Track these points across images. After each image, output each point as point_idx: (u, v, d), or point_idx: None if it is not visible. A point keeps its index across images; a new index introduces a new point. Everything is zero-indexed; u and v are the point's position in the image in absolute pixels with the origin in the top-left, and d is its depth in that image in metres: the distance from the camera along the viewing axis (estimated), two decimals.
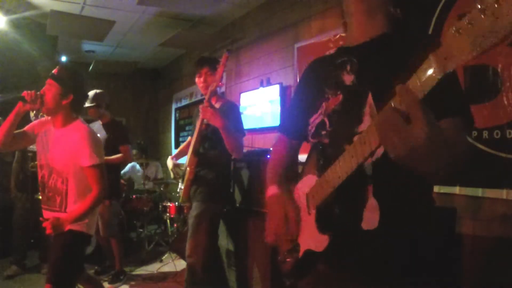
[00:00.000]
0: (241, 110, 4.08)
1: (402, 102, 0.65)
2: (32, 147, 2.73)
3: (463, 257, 1.93)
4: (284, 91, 3.63)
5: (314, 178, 1.03)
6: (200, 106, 2.37)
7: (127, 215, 4.42)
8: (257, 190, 2.82)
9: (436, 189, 1.05)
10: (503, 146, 1.95)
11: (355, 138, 0.80)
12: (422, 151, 0.64)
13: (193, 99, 5.72)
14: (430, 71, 0.62)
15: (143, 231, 4.83)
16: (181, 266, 3.90)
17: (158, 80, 7.33)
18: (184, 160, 2.72)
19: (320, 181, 0.98)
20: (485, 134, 2.02)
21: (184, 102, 6.14)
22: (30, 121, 2.35)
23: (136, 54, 6.10)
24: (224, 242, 3.01)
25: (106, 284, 3.41)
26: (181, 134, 6.21)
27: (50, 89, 2.03)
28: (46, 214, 2.08)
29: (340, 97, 1.03)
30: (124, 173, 5.26)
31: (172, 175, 2.86)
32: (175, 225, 4.46)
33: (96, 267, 3.81)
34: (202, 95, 2.53)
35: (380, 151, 0.80)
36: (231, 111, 2.54)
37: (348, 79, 1.02)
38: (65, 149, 2.04)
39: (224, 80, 4.72)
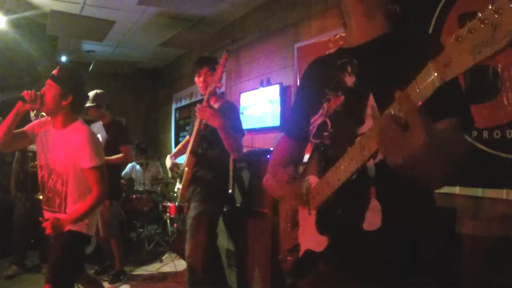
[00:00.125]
0: (241, 110, 4.09)
1: (401, 109, 0.66)
2: (32, 147, 2.72)
3: (463, 257, 1.93)
4: (284, 91, 3.63)
5: (316, 179, 1.03)
6: (198, 107, 2.35)
7: (127, 215, 4.42)
8: (257, 190, 2.82)
9: (436, 189, 1.05)
10: (503, 146, 1.95)
11: (357, 141, 0.80)
12: (419, 158, 0.65)
13: (193, 99, 5.72)
14: (429, 79, 0.62)
15: (143, 231, 4.83)
16: (181, 266, 3.90)
17: (158, 80, 7.33)
18: (182, 159, 2.72)
19: (321, 182, 0.98)
20: (485, 134, 2.02)
21: (184, 102, 6.14)
22: (31, 121, 2.35)
23: (136, 54, 6.10)
24: (224, 242, 3.01)
25: (106, 284, 3.40)
26: (181, 134, 6.21)
27: (50, 89, 2.03)
28: (47, 214, 2.08)
29: (342, 98, 1.03)
30: (125, 174, 5.26)
31: (169, 174, 2.85)
32: (175, 225, 4.46)
33: (96, 267, 3.81)
34: (202, 95, 2.52)
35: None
36: (230, 111, 2.53)
37: (349, 80, 1.02)
38: (65, 151, 2.03)
39: (224, 81, 4.71)
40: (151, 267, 4.03)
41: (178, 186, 2.66)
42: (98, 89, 3.64)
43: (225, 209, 3.00)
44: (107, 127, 3.62)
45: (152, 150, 6.25)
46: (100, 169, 2.02)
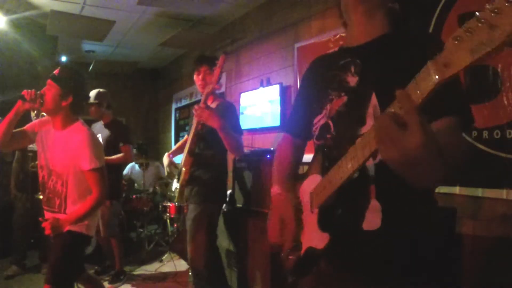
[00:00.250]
0: (241, 110, 4.10)
1: (401, 107, 0.66)
2: (32, 147, 2.73)
3: (463, 257, 1.92)
4: (284, 91, 3.63)
5: (319, 178, 1.04)
6: (196, 108, 2.34)
7: (127, 215, 4.42)
8: (257, 190, 2.82)
9: (436, 189, 1.06)
10: (503, 146, 1.95)
11: (358, 139, 0.81)
12: (417, 158, 0.65)
13: (193, 99, 5.72)
14: (428, 78, 0.63)
15: (143, 231, 4.82)
16: (181, 266, 3.90)
17: (158, 80, 7.33)
18: (180, 159, 2.71)
19: (323, 181, 0.99)
20: (485, 134, 2.02)
21: (184, 102, 6.15)
22: (31, 121, 2.35)
23: (136, 54, 6.10)
24: (224, 242, 3.01)
25: (106, 284, 3.40)
26: (181, 134, 6.22)
27: (50, 89, 2.02)
28: (47, 214, 2.08)
29: (344, 98, 1.03)
30: (124, 174, 5.25)
31: (166, 173, 2.85)
32: (175, 225, 4.46)
33: (96, 267, 3.81)
34: (202, 94, 2.51)
35: None
36: (228, 111, 2.52)
37: (352, 80, 1.03)
38: (65, 152, 2.03)
39: (224, 81, 4.71)
40: (151, 267, 4.03)
41: (176, 185, 2.66)
42: (98, 89, 3.64)
43: (225, 209, 3.00)
44: (107, 126, 3.62)
45: (152, 150, 6.25)
46: (100, 171, 2.01)
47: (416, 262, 0.95)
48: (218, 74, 2.31)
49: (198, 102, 2.42)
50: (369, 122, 0.94)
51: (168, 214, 4.16)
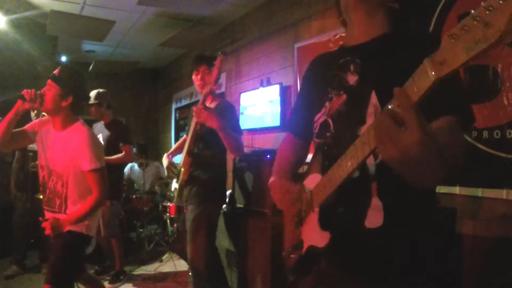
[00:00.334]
0: (241, 110, 4.10)
1: (399, 105, 0.66)
2: (33, 147, 2.72)
3: (463, 257, 1.93)
4: (284, 91, 3.63)
5: (319, 177, 1.04)
6: (194, 109, 2.32)
7: (127, 215, 4.42)
8: (257, 190, 2.82)
9: (436, 189, 1.06)
10: (503, 146, 1.95)
11: (358, 138, 0.81)
12: (415, 157, 0.65)
13: (193, 99, 5.72)
14: (425, 76, 0.63)
15: (143, 231, 4.82)
16: (181, 266, 3.90)
17: (158, 80, 7.33)
18: (179, 159, 2.71)
19: (324, 179, 0.99)
20: (485, 134, 2.02)
21: (184, 102, 6.15)
22: (31, 120, 2.34)
23: (136, 54, 6.10)
24: (224, 242, 3.01)
25: (106, 284, 3.40)
26: (181, 134, 6.21)
27: (50, 90, 2.02)
28: (47, 214, 2.08)
29: (344, 97, 1.03)
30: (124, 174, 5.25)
31: (166, 173, 2.84)
32: (175, 225, 4.46)
33: (96, 267, 3.82)
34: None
35: None
36: (227, 111, 2.50)
37: (352, 79, 1.03)
38: (65, 152, 2.02)
39: (224, 81, 4.71)
40: (151, 267, 4.03)
41: (175, 186, 2.65)
42: (98, 89, 3.64)
43: (225, 209, 2.99)
44: (108, 126, 3.62)
45: (152, 150, 6.25)
46: (100, 171, 2.01)
47: (416, 262, 0.95)
48: (216, 74, 2.30)
49: (198, 102, 2.41)
50: (369, 121, 0.94)
51: (168, 214, 4.16)
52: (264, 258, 2.63)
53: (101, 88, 3.68)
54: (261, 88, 3.91)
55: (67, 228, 1.96)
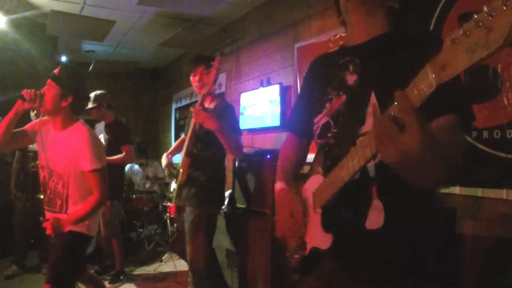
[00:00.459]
0: (241, 110, 4.09)
1: (400, 109, 0.66)
2: (33, 147, 2.72)
3: (463, 257, 1.93)
4: (284, 91, 3.63)
5: (321, 178, 1.04)
6: (192, 110, 2.31)
7: (127, 215, 4.42)
8: (257, 190, 2.82)
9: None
10: (503, 146, 1.95)
11: (358, 140, 0.81)
12: (415, 158, 0.65)
13: (193, 99, 5.72)
14: (427, 80, 0.63)
15: (143, 231, 4.82)
16: (181, 266, 3.90)
17: (158, 80, 7.33)
18: (178, 158, 2.70)
19: (325, 181, 0.99)
20: (485, 134, 2.02)
21: (184, 102, 6.15)
22: (31, 121, 2.34)
23: (136, 54, 6.10)
24: (225, 242, 3.01)
25: (106, 284, 3.40)
26: (181, 134, 6.19)
27: (50, 90, 2.01)
28: (48, 214, 2.08)
29: (343, 97, 1.03)
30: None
31: (165, 173, 2.84)
32: (175, 225, 4.46)
33: (96, 267, 3.81)
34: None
35: None
36: (226, 112, 2.49)
37: (351, 79, 1.03)
38: (65, 153, 2.01)
39: (224, 81, 4.72)
40: (151, 267, 4.02)
41: (174, 186, 2.64)
42: (98, 89, 3.64)
43: (225, 209, 2.99)
44: (108, 127, 3.62)
45: (152, 150, 6.25)
46: (101, 172, 2.00)
47: (416, 262, 0.95)
48: (214, 75, 2.28)
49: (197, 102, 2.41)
50: (369, 121, 0.94)
51: (168, 214, 4.16)
52: (264, 258, 2.63)
53: (101, 88, 3.68)
54: (261, 88, 3.91)
55: (68, 228, 1.96)
